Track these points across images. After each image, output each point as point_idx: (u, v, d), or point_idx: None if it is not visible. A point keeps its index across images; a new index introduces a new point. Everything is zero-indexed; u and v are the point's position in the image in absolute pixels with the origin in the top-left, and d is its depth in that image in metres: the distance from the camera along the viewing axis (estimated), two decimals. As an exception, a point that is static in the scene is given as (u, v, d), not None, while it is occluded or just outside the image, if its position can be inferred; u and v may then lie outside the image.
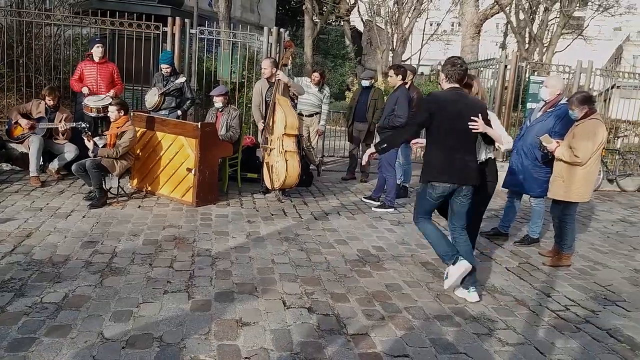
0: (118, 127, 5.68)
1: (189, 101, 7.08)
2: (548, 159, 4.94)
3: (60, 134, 6.46)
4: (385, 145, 4.08)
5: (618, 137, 10.51)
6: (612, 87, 10.01)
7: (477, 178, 3.83)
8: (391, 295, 3.86)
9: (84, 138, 5.61)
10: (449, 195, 3.81)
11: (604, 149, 5.82)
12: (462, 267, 3.77)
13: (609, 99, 9.92)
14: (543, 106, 5.21)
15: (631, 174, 9.53)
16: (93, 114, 6.70)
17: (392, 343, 3.15)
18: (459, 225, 3.92)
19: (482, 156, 4.16)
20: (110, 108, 5.77)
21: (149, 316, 3.22)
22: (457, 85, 3.81)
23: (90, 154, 5.61)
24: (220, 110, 6.54)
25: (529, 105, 8.49)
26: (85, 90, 6.80)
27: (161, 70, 6.96)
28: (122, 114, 5.70)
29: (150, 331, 3.04)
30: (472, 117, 3.74)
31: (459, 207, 3.86)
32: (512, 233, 5.69)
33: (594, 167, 4.71)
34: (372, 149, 4.18)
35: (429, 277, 4.29)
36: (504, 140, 4.18)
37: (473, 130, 3.77)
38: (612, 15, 26.53)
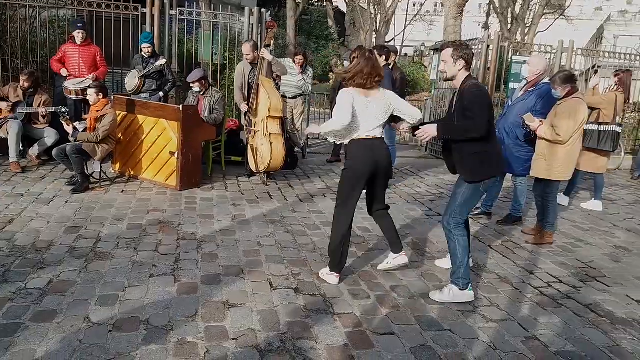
0: (98, 111, 5.59)
1: (170, 83, 7.00)
2: (530, 138, 4.99)
3: (40, 118, 6.35)
4: (451, 134, 3.50)
5: (599, 116, 10.61)
6: (593, 67, 10.08)
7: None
8: (376, 274, 3.90)
9: (63, 122, 5.52)
10: None
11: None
12: (469, 297, 3.55)
13: (590, 78, 9.99)
14: (524, 85, 5.25)
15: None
16: (73, 97, 6.61)
17: (379, 321, 3.19)
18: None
19: None
20: (89, 91, 5.67)
21: (135, 300, 3.22)
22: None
23: (70, 138, 5.54)
24: (202, 93, 6.46)
25: (511, 85, 8.53)
26: (64, 72, 6.68)
27: (141, 51, 6.85)
28: (100, 97, 5.60)
29: (137, 315, 3.04)
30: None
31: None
32: (495, 212, 5.76)
33: (575, 146, 4.76)
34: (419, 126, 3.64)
35: (413, 257, 4.33)
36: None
37: None
38: (593, -5, 26.65)
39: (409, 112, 3.76)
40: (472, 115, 3.36)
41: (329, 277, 3.70)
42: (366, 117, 3.59)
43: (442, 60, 3.53)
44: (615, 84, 6.51)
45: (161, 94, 6.84)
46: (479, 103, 3.37)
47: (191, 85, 6.45)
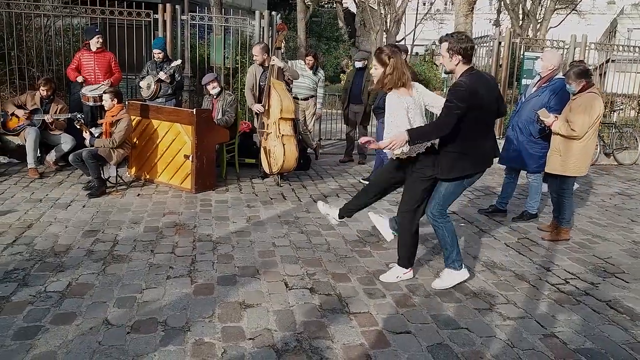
0: (113, 116, 5.67)
1: (177, 81, 7.04)
2: (545, 134, 4.95)
3: (50, 125, 6.43)
4: (418, 140, 3.40)
5: (614, 111, 10.49)
6: (607, 61, 9.98)
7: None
8: (392, 273, 3.89)
9: (78, 127, 5.60)
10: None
11: (600, 122, 5.83)
12: (464, 275, 3.71)
13: (604, 73, 9.90)
14: (538, 81, 5.21)
15: (628, 147, 9.55)
16: (90, 103, 6.72)
17: (394, 320, 3.18)
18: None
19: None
20: (104, 97, 5.76)
21: (152, 301, 3.25)
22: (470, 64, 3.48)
23: (86, 143, 5.61)
24: (215, 97, 6.51)
25: (523, 81, 8.47)
26: (80, 79, 6.77)
27: (153, 57, 6.93)
28: (115, 102, 5.68)
29: (154, 316, 3.07)
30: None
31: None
32: (511, 209, 5.72)
33: (590, 141, 4.71)
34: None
35: (428, 255, 4.32)
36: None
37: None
38: (606, -11, 26.36)
39: (435, 101, 3.64)
40: (445, 112, 3.34)
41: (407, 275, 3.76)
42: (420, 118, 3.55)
43: (441, 55, 3.49)
44: None
45: (162, 74, 6.78)
46: (454, 101, 3.30)
47: (208, 87, 6.49)
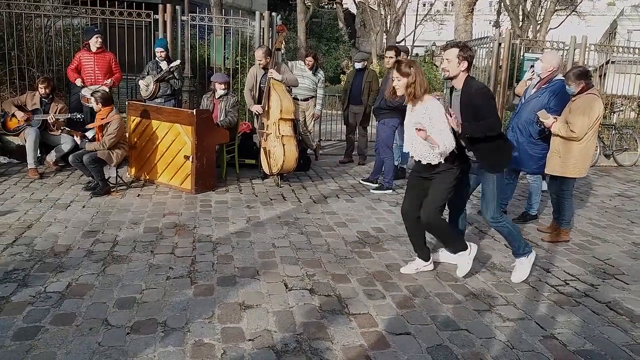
0: (102, 119, 5.62)
1: (178, 81, 7.07)
2: (544, 135, 4.95)
3: (51, 125, 6.43)
4: (475, 132, 3.60)
5: (614, 112, 10.51)
6: (607, 63, 9.98)
7: None
8: (391, 274, 3.90)
9: (65, 134, 5.60)
10: None
11: (600, 124, 5.83)
12: (533, 256, 3.97)
13: (604, 74, 9.90)
14: (537, 82, 5.21)
15: (628, 148, 9.55)
16: (90, 104, 6.71)
17: (394, 321, 3.18)
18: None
19: None
20: (90, 99, 5.74)
21: (152, 302, 3.25)
22: None
23: (80, 146, 5.62)
24: (218, 97, 6.51)
25: (524, 82, 8.47)
26: (78, 82, 6.77)
27: (154, 56, 6.93)
28: (100, 106, 5.61)
29: (154, 317, 3.07)
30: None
31: None
32: (510, 210, 5.72)
33: (590, 143, 4.71)
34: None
35: (428, 256, 4.31)
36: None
37: None
38: (606, -10, 26.36)
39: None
40: (489, 114, 3.56)
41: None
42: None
43: (446, 59, 3.64)
44: None
45: (165, 64, 6.82)
46: (492, 103, 3.64)
47: (216, 86, 6.49)
